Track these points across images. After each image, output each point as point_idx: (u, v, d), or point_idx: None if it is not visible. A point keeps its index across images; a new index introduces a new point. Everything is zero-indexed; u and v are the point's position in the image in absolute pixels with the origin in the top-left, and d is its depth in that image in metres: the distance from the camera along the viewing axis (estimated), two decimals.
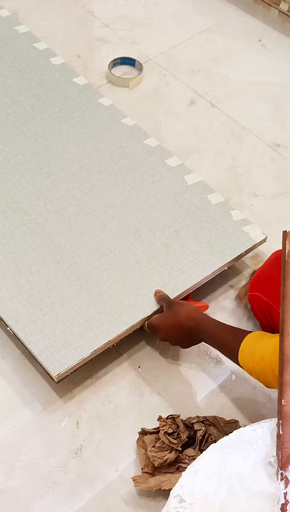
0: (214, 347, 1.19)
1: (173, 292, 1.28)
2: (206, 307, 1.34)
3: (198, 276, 1.31)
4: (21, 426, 1.21)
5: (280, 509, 0.87)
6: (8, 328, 1.24)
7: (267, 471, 0.90)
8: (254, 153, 1.66)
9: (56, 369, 1.18)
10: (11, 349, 1.29)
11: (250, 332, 1.12)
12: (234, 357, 1.12)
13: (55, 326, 1.23)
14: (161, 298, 1.26)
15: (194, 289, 1.32)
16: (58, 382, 1.20)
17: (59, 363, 1.19)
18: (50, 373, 1.19)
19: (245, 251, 1.35)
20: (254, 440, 0.94)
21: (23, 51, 1.67)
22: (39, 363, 1.21)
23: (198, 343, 1.23)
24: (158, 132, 1.67)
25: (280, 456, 0.90)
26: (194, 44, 1.90)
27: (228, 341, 1.14)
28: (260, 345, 1.06)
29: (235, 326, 1.23)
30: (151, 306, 1.26)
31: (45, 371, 1.21)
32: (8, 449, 1.18)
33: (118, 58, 1.81)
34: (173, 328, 1.21)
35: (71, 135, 1.51)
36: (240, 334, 1.12)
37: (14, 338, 1.28)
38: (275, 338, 1.03)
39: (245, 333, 1.12)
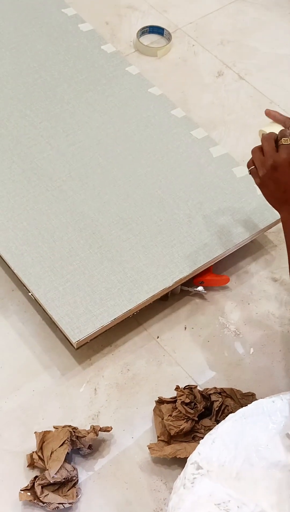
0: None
1: (195, 264, 1.28)
2: (227, 280, 1.34)
3: (220, 249, 1.30)
4: (40, 390, 1.22)
5: None
6: (29, 294, 1.25)
7: (284, 443, 0.91)
8: None
9: (76, 336, 1.19)
10: (31, 314, 1.30)
11: None
12: None
13: (76, 293, 1.23)
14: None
15: (215, 262, 1.32)
16: (78, 348, 1.22)
17: (79, 330, 1.20)
18: (70, 339, 1.20)
19: (268, 226, 1.35)
20: (273, 411, 0.94)
21: (52, 16, 1.66)
22: (59, 329, 1.22)
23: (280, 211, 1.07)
24: (185, 103, 1.65)
25: None
26: (224, 14, 1.87)
27: None
28: None
29: None
30: (173, 277, 1.26)
31: (65, 337, 1.22)
32: (27, 412, 1.20)
33: (146, 27, 1.79)
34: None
35: (97, 103, 1.50)
36: None
37: (35, 303, 1.29)
38: None
39: None
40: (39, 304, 1.24)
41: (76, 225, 1.32)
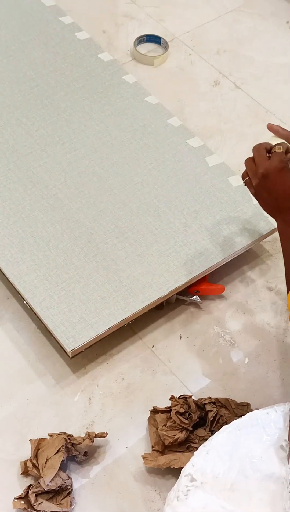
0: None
1: (190, 273, 1.28)
2: (222, 289, 1.34)
3: (215, 258, 1.30)
4: (35, 399, 1.22)
5: None
6: (24, 302, 1.25)
7: (278, 455, 0.91)
8: None
9: (71, 344, 1.19)
10: (26, 322, 1.30)
11: None
12: None
13: (72, 302, 1.23)
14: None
15: (211, 271, 1.32)
16: (72, 357, 1.21)
17: (74, 339, 1.20)
18: (65, 348, 1.19)
19: (264, 235, 1.35)
20: (267, 423, 0.94)
21: (49, 24, 1.66)
22: (54, 337, 1.22)
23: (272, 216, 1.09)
24: (181, 112, 1.66)
25: None
26: (221, 24, 1.87)
27: None
28: None
29: None
30: (168, 286, 1.26)
31: (60, 345, 1.22)
32: (21, 421, 1.20)
33: (143, 35, 1.79)
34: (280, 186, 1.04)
35: (93, 112, 1.50)
36: None
37: (30, 312, 1.29)
38: None
39: None
40: (34, 313, 1.24)
41: (72, 234, 1.31)
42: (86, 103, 1.52)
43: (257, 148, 1.08)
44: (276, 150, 1.05)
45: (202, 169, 1.43)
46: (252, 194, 1.10)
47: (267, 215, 1.33)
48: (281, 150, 1.05)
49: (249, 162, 1.08)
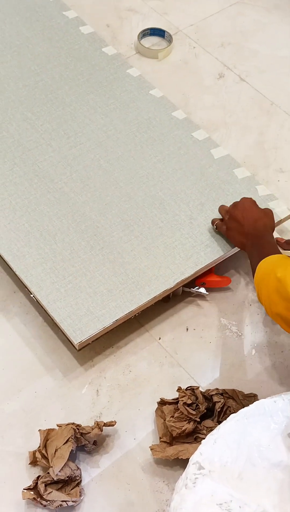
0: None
1: (196, 265, 1.28)
2: (229, 281, 1.34)
3: (221, 250, 1.31)
4: (42, 392, 1.22)
5: None
6: (31, 295, 1.25)
7: (285, 443, 0.91)
8: (282, 129, 1.65)
9: (78, 337, 1.19)
10: (34, 316, 1.31)
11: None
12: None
13: (78, 295, 1.24)
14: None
15: (217, 263, 1.32)
16: (80, 350, 1.22)
17: (81, 331, 1.20)
18: (72, 341, 1.20)
19: None
20: (274, 411, 0.94)
21: (53, 19, 1.66)
22: (61, 330, 1.22)
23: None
24: (186, 105, 1.66)
25: None
26: (225, 16, 1.87)
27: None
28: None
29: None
30: (174, 278, 1.26)
31: (67, 338, 1.22)
32: (29, 414, 1.20)
33: (147, 29, 1.79)
34: (250, 218, 1.24)
35: (98, 105, 1.50)
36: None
37: (37, 305, 1.29)
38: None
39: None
40: (41, 306, 1.25)
41: (78, 227, 1.32)
42: (91, 97, 1.52)
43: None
44: (246, 197, 1.29)
45: (208, 162, 1.43)
46: (223, 232, 1.29)
47: (273, 206, 1.34)
48: (249, 197, 1.29)
49: (223, 209, 1.32)
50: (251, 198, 1.29)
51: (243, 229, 1.24)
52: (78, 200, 1.35)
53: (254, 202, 1.28)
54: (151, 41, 1.79)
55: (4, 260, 1.29)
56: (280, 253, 1.16)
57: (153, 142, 1.45)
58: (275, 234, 1.43)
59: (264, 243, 1.19)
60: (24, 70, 1.55)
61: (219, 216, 1.34)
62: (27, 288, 1.26)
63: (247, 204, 1.27)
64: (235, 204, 1.28)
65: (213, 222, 1.32)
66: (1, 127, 1.45)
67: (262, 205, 1.36)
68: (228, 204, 1.34)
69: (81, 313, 1.22)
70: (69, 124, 1.47)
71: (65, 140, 1.44)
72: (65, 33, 1.64)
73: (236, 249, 1.32)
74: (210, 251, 1.30)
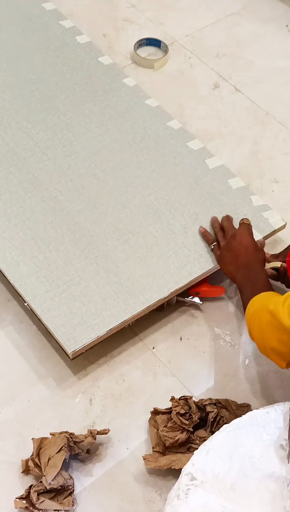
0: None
1: (190, 274, 1.28)
2: (223, 291, 1.34)
3: (215, 260, 1.31)
4: (35, 401, 1.22)
5: None
6: (25, 304, 1.25)
7: (278, 454, 0.91)
8: (276, 139, 1.65)
9: (72, 346, 1.19)
10: (27, 324, 1.30)
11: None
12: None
13: (72, 304, 1.24)
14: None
15: (211, 273, 1.32)
16: (73, 359, 1.21)
17: (75, 340, 1.20)
18: (66, 350, 1.20)
19: (263, 237, 1.35)
20: (267, 422, 0.94)
21: (49, 28, 1.67)
22: (55, 339, 1.22)
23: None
24: (181, 115, 1.66)
25: None
26: (220, 27, 1.88)
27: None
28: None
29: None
30: (168, 288, 1.27)
31: (61, 347, 1.22)
32: (22, 423, 1.20)
33: (143, 39, 1.80)
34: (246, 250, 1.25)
35: (94, 114, 1.51)
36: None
37: (31, 314, 1.29)
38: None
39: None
40: (35, 315, 1.25)
41: (72, 236, 1.32)
42: (87, 106, 1.52)
43: (226, 219, 1.33)
44: (245, 222, 1.30)
45: (202, 172, 1.43)
46: (217, 257, 1.29)
47: (267, 217, 1.34)
48: (248, 223, 1.30)
49: (220, 231, 1.31)
50: (248, 227, 1.30)
51: (237, 261, 1.24)
52: (73, 209, 1.36)
53: (251, 232, 1.30)
54: (147, 51, 1.80)
55: None
56: (271, 287, 1.19)
57: (148, 152, 1.46)
58: (269, 245, 1.43)
59: (257, 279, 1.20)
60: (20, 79, 1.56)
61: (211, 229, 1.34)
62: (21, 296, 1.26)
63: (245, 237, 1.27)
64: (233, 235, 1.28)
65: (210, 242, 1.31)
66: None
67: (256, 216, 1.37)
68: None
69: (75, 322, 1.22)
70: (64, 133, 1.47)
71: (61, 149, 1.44)
72: (62, 42, 1.65)
73: None
74: (204, 261, 1.30)
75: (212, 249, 1.31)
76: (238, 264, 1.24)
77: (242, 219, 1.31)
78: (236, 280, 1.24)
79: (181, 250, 1.31)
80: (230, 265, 1.26)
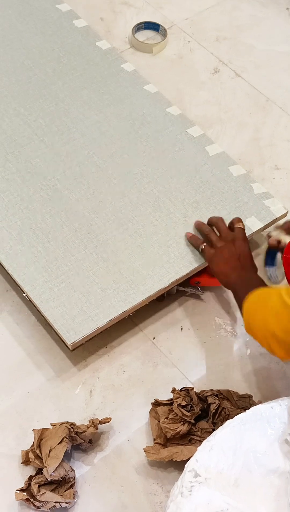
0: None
1: (191, 264, 1.27)
2: None
3: (206, 258, 1.28)
4: (35, 392, 1.21)
5: None
6: (24, 295, 1.23)
7: (282, 449, 0.90)
8: (277, 126, 1.63)
9: (72, 337, 1.18)
10: (26, 315, 1.29)
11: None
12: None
13: (71, 294, 1.22)
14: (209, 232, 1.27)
15: None
16: (73, 350, 1.20)
17: (74, 331, 1.18)
18: (65, 341, 1.18)
19: (265, 225, 1.33)
20: (271, 417, 0.94)
21: (46, 12, 1.64)
22: (54, 330, 1.21)
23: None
24: (180, 100, 1.64)
25: None
26: (220, 11, 1.85)
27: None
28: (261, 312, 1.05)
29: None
30: (169, 277, 1.25)
31: (60, 338, 1.21)
32: (22, 415, 1.19)
33: (142, 23, 1.77)
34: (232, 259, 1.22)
35: (92, 101, 1.48)
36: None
37: (30, 304, 1.28)
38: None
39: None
40: (34, 305, 1.23)
41: (71, 225, 1.30)
42: (85, 93, 1.50)
43: (217, 220, 1.28)
44: (241, 227, 1.25)
45: (202, 159, 1.41)
46: (209, 256, 1.24)
47: (268, 205, 1.32)
48: (243, 228, 1.26)
49: (212, 232, 1.27)
50: (244, 232, 1.25)
51: (234, 262, 1.21)
52: (72, 198, 1.33)
53: (246, 238, 1.25)
54: (145, 35, 1.77)
55: None
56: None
57: (148, 139, 1.43)
58: None
59: (253, 281, 1.17)
60: (17, 65, 1.53)
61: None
62: (19, 287, 1.24)
63: (243, 244, 1.22)
64: (233, 240, 1.23)
65: (199, 244, 1.27)
66: None
67: (257, 204, 1.35)
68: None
69: (74, 313, 1.20)
70: (62, 120, 1.45)
71: (58, 136, 1.42)
72: (59, 27, 1.62)
73: None
74: None
75: (201, 250, 1.26)
76: (233, 265, 1.20)
77: (238, 222, 1.26)
78: (231, 280, 1.19)
79: (182, 239, 1.30)
80: (225, 265, 1.21)
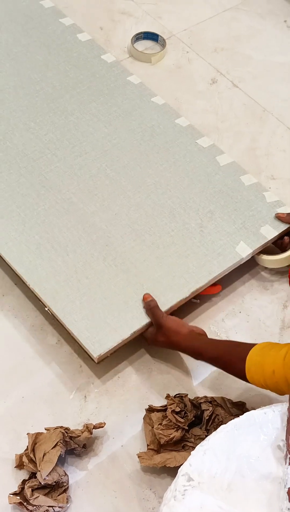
0: (216, 366, 1.17)
1: (210, 273, 1.28)
2: (219, 288, 1.33)
3: (233, 258, 1.31)
4: (30, 397, 1.21)
5: (287, 492, 0.88)
6: (46, 309, 1.24)
7: (275, 455, 0.91)
8: (274, 136, 1.66)
9: (97, 350, 1.18)
10: (22, 319, 1.30)
11: (251, 345, 1.07)
12: (240, 375, 1.08)
13: (94, 307, 1.23)
14: (149, 308, 1.23)
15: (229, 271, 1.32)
16: (99, 362, 1.20)
17: (100, 344, 1.19)
18: (91, 354, 1.19)
19: (279, 233, 1.35)
20: (264, 423, 0.94)
21: (49, 26, 1.64)
22: (78, 343, 1.21)
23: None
24: (178, 110, 1.65)
25: (289, 440, 0.91)
26: (218, 22, 1.88)
27: (231, 362, 1.10)
28: (267, 361, 1.02)
29: (231, 340, 1.20)
30: (189, 287, 1.26)
31: (84, 351, 1.21)
32: (16, 419, 1.19)
33: (141, 33, 1.79)
34: (170, 345, 1.21)
35: (101, 114, 1.49)
36: (241, 351, 1.07)
37: (26, 308, 1.28)
38: (283, 349, 1.00)
39: (246, 349, 1.07)
40: (57, 319, 1.23)
41: (89, 238, 1.31)
42: (93, 106, 1.51)
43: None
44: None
45: (214, 169, 1.43)
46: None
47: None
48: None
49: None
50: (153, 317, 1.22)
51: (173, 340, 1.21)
52: (87, 211, 1.34)
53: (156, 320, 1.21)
54: (144, 45, 1.79)
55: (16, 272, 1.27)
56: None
57: (158, 150, 1.45)
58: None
59: (207, 349, 1.15)
60: (24, 79, 1.53)
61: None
62: (41, 301, 1.24)
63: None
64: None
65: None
66: (5, 137, 1.43)
67: (270, 212, 1.37)
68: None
69: (98, 326, 1.21)
70: (72, 133, 1.45)
71: (70, 150, 1.43)
72: (63, 40, 1.62)
73: (248, 257, 1.33)
74: (223, 259, 1.31)
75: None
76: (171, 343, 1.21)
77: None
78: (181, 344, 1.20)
79: (199, 249, 1.31)
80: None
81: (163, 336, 1.20)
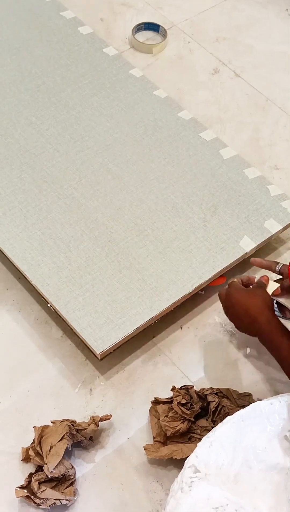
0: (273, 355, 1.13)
1: (213, 268, 1.28)
2: (224, 279, 1.32)
3: (237, 252, 1.31)
4: (35, 391, 1.21)
5: None
6: (48, 305, 1.24)
7: (282, 445, 0.91)
8: (277, 125, 1.65)
9: (100, 346, 1.19)
10: (26, 314, 1.30)
11: None
12: None
13: (97, 303, 1.23)
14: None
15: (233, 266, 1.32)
16: (102, 359, 1.21)
17: (102, 340, 1.19)
18: (94, 351, 1.19)
19: (283, 227, 1.35)
20: (271, 413, 0.94)
21: (50, 20, 1.63)
22: (81, 340, 1.21)
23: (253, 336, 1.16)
24: (180, 101, 1.64)
25: None
26: (219, 11, 1.86)
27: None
28: None
29: None
30: (192, 283, 1.26)
31: (88, 347, 1.21)
32: (22, 413, 1.19)
33: (142, 23, 1.77)
34: (247, 314, 1.14)
35: (103, 108, 1.48)
36: None
37: (29, 303, 1.28)
38: None
39: None
40: (59, 316, 1.23)
41: (91, 233, 1.30)
42: (95, 99, 1.50)
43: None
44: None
45: (217, 162, 1.42)
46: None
47: (286, 206, 1.35)
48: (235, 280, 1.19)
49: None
50: (233, 287, 1.17)
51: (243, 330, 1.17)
52: (90, 206, 1.34)
53: (238, 290, 1.16)
54: (145, 36, 1.77)
55: (18, 269, 1.27)
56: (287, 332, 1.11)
57: (161, 144, 1.44)
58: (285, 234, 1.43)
59: (273, 338, 1.11)
60: (25, 73, 1.52)
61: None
62: (44, 298, 1.24)
63: (230, 304, 1.16)
64: (226, 306, 1.18)
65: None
66: (6, 132, 1.42)
67: (274, 206, 1.36)
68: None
69: (101, 322, 1.21)
70: (74, 128, 1.45)
71: (72, 145, 1.42)
72: (64, 34, 1.61)
73: (252, 252, 1.33)
74: (226, 254, 1.30)
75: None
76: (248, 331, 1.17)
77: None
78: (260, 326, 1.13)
79: (202, 244, 1.31)
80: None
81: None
